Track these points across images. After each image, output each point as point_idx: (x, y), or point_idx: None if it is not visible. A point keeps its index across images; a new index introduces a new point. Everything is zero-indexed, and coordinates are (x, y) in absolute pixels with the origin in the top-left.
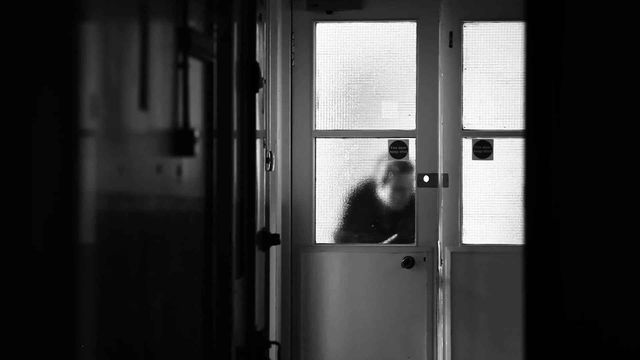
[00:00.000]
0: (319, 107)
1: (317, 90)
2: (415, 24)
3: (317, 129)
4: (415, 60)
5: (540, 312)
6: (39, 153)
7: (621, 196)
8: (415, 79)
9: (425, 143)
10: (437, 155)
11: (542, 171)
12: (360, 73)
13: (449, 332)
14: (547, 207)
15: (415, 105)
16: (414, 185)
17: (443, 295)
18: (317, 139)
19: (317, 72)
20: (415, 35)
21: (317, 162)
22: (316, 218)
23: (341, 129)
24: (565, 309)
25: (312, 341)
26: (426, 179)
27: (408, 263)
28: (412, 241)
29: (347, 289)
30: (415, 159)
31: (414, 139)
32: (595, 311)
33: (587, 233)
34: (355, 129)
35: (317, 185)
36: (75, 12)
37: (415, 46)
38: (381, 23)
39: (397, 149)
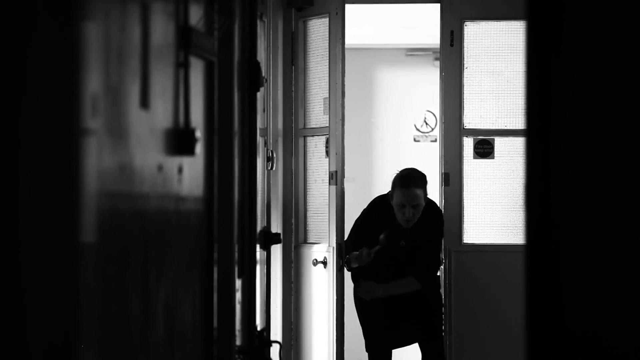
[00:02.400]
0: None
1: (308, 89)
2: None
3: (307, 127)
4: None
5: (541, 311)
6: (39, 151)
7: (622, 195)
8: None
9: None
10: (439, 155)
11: (543, 170)
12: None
13: (448, 330)
14: (549, 206)
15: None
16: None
17: (445, 294)
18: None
19: (309, 70)
20: None
21: (308, 161)
22: (309, 216)
23: (317, 127)
24: (565, 309)
25: (314, 340)
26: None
27: None
28: None
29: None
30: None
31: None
32: (596, 312)
33: (588, 232)
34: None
35: (309, 184)
36: (76, 11)
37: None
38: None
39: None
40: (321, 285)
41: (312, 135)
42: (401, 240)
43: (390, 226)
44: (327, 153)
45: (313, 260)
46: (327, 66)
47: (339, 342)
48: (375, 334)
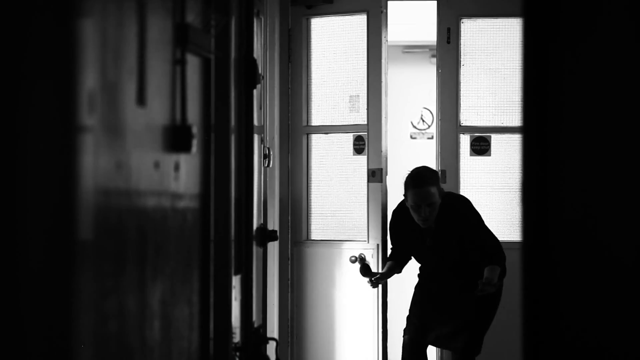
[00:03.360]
0: (314, 102)
1: (312, 87)
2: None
3: (312, 124)
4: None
5: (538, 309)
6: (35, 148)
7: (620, 192)
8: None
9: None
10: (436, 152)
11: (539, 167)
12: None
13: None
14: (545, 203)
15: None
16: None
17: None
18: (313, 135)
19: (312, 68)
20: None
21: (312, 158)
22: (312, 214)
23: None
24: (562, 307)
25: (310, 337)
26: None
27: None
28: None
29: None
30: None
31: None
32: (592, 311)
33: (586, 230)
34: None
35: (312, 181)
36: (73, 7)
37: None
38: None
39: None
40: (355, 282)
41: (327, 133)
42: (371, 275)
43: (410, 230)
44: (357, 151)
45: (351, 257)
46: (336, 63)
47: (384, 338)
48: (417, 321)
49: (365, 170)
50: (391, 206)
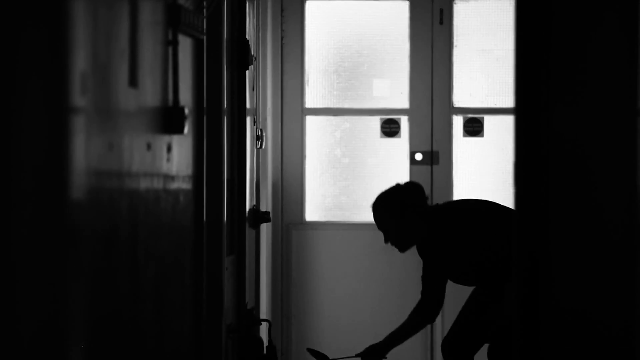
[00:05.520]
0: (310, 84)
1: (307, 68)
2: (407, 2)
3: (307, 106)
4: (407, 38)
5: (532, 286)
6: (27, 130)
7: (612, 172)
8: (407, 56)
9: (418, 121)
10: (430, 133)
11: (532, 148)
12: (351, 51)
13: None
14: (538, 184)
15: (408, 83)
16: (408, 164)
17: None
18: (308, 117)
19: (307, 50)
20: (407, 14)
21: (307, 140)
22: (306, 196)
23: (332, 106)
24: (555, 283)
25: (303, 319)
26: (418, 156)
27: None
28: None
29: (338, 267)
30: (408, 137)
31: (407, 117)
32: (586, 286)
33: (580, 211)
34: (346, 107)
35: (307, 163)
36: None
37: (407, 24)
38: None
39: (389, 126)
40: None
41: (345, 115)
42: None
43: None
44: (387, 134)
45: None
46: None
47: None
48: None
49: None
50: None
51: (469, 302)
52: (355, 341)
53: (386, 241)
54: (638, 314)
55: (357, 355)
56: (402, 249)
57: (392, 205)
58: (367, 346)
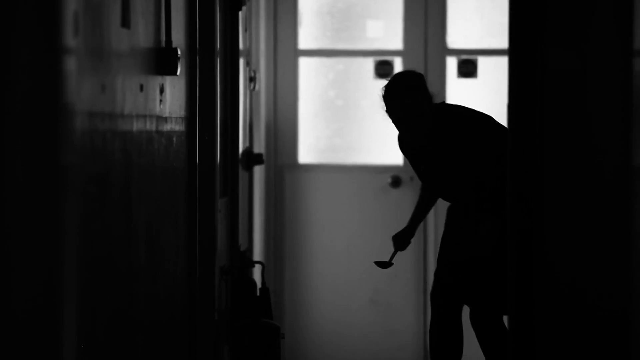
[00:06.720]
0: (303, 26)
1: (300, 9)
2: None
3: (301, 48)
4: None
5: (526, 256)
6: (18, 71)
7: (610, 112)
8: None
9: (411, 62)
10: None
11: (526, 90)
12: None
13: (434, 248)
14: (532, 126)
15: (402, 24)
16: None
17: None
18: (301, 58)
19: None
20: None
21: (300, 82)
22: (299, 138)
23: (326, 48)
24: (549, 255)
25: (297, 261)
26: None
27: (395, 183)
28: (400, 160)
29: (332, 209)
30: None
31: (400, 58)
32: (580, 259)
33: (572, 151)
34: (340, 48)
35: (300, 105)
36: None
37: None
38: None
39: (383, 68)
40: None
41: (337, 56)
42: (386, 264)
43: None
44: (381, 75)
45: (392, 179)
46: None
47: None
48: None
49: None
50: None
51: (445, 238)
52: (348, 282)
53: (404, 131)
54: (631, 261)
55: (393, 243)
56: (421, 138)
57: (421, 82)
58: (375, 261)
